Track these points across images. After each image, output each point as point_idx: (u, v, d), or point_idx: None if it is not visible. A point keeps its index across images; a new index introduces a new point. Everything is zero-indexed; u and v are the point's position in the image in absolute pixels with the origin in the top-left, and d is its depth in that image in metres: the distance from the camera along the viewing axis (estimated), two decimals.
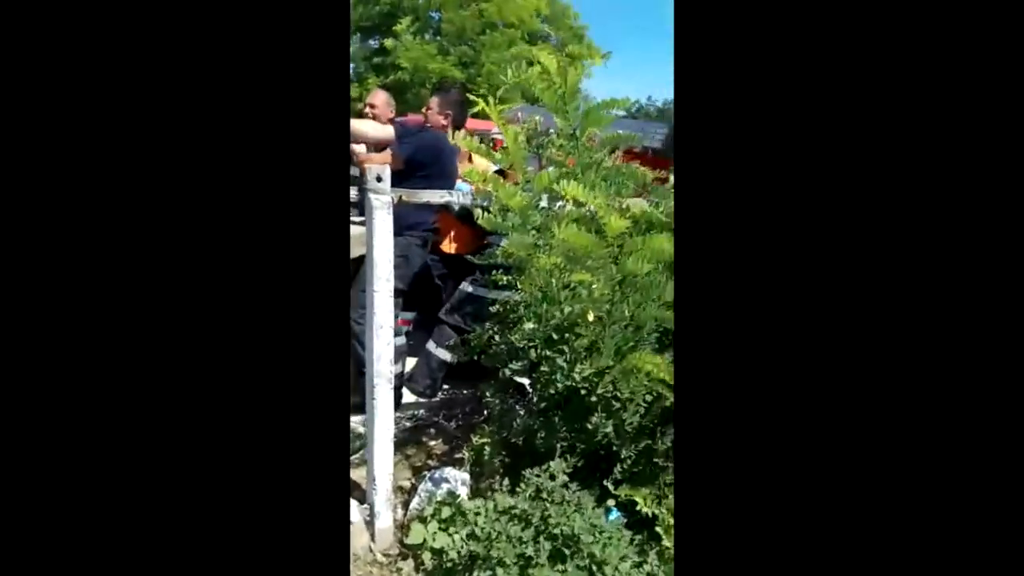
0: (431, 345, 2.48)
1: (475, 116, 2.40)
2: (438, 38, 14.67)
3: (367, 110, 2.77)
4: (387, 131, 2.57)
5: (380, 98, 2.87)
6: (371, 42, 15.46)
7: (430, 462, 2.06)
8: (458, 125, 2.57)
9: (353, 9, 15.07)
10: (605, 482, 1.53)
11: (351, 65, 15.66)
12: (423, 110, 2.73)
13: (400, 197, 1.82)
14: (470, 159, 2.58)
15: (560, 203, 1.78)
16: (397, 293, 2.30)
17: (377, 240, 1.73)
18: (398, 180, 2.35)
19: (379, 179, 1.75)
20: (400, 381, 2.48)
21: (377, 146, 2.60)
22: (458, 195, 2.09)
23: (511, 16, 14.22)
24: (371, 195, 1.74)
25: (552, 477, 1.37)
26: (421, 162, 2.36)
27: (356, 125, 2.55)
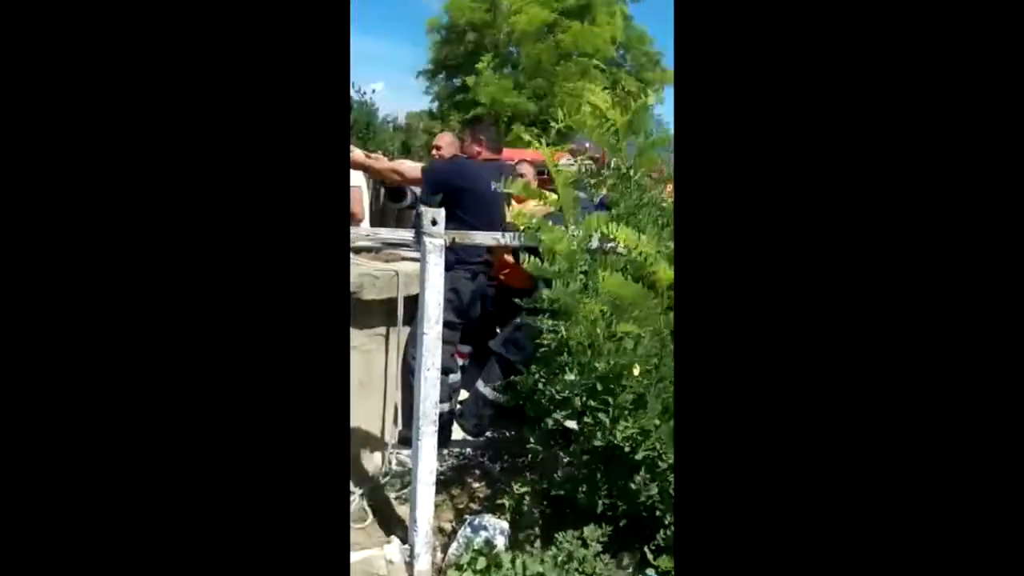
0: (480, 383, 2.48)
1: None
2: (515, 72, 15.10)
3: (433, 152, 2.88)
4: (415, 167, 2.65)
5: (445, 139, 3.00)
6: (454, 80, 16.13)
7: (472, 505, 2.04)
8: (494, 151, 2.60)
9: (439, 49, 15.88)
10: (646, 548, 1.44)
11: (436, 103, 16.42)
12: (460, 147, 2.80)
13: (454, 239, 1.86)
14: (520, 200, 2.60)
15: (611, 243, 1.73)
16: (452, 326, 2.33)
17: (429, 282, 1.76)
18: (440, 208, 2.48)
19: (434, 222, 1.80)
20: (451, 417, 2.50)
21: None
22: (511, 237, 2.11)
23: (587, 46, 14.30)
24: (425, 238, 1.78)
25: (585, 544, 1.31)
26: (447, 184, 2.39)
27: (396, 164, 2.69)
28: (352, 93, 12.91)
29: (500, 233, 2.14)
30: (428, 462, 1.76)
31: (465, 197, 2.31)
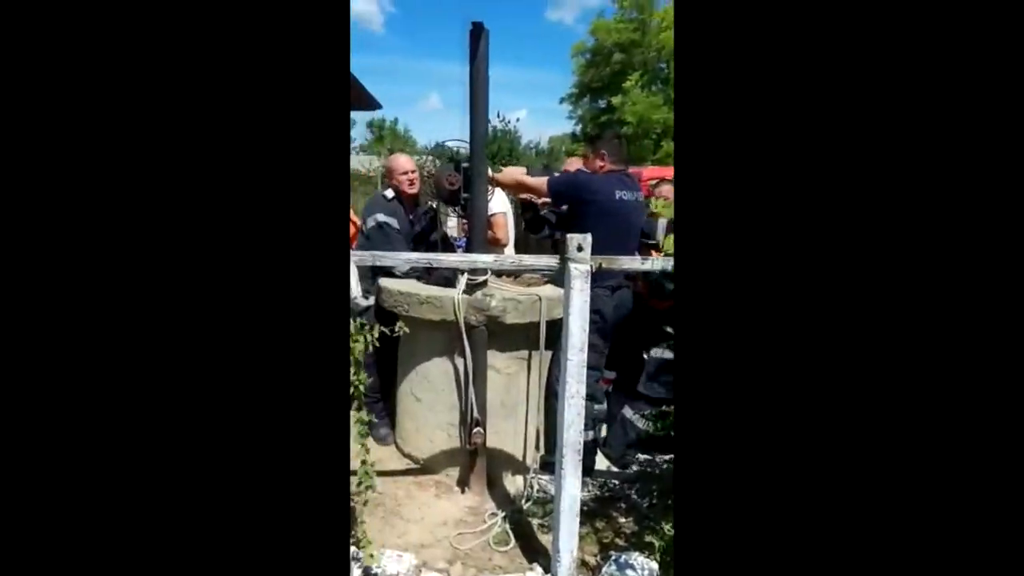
0: (627, 411, 2.39)
1: None
2: (665, 88, 14.73)
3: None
4: (541, 180, 2.67)
5: (575, 164, 3.12)
6: (599, 102, 16.21)
7: (618, 540, 1.96)
8: (618, 163, 2.53)
9: (584, 73, 16.10)
10: None
11: (580, 125, 16.62)
12: (582, 162, 2.79)
13: (600, 264, 1.83)
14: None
15: None
16: (596, 350, 2.30)
17: (573, 308, 1.74)
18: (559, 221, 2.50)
19: (579, 248, 1.79)
20: (595, 446, 2.44)
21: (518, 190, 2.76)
22: (658, 262, 2.02)
23: None
24: (570, 264, 1.77)
25: None
26: (567, 195, 2.42)
27: (513, 172, 2.77)
28: (495, 121, 13.55)
29: (644, 259, 2.07)
30: (572, 492, 1.72)
31: (586, 209, 2.30)
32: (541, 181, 2.52)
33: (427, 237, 3.04)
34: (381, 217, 2.75)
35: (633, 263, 1.91)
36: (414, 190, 2.89)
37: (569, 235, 1.80)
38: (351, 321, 1.77)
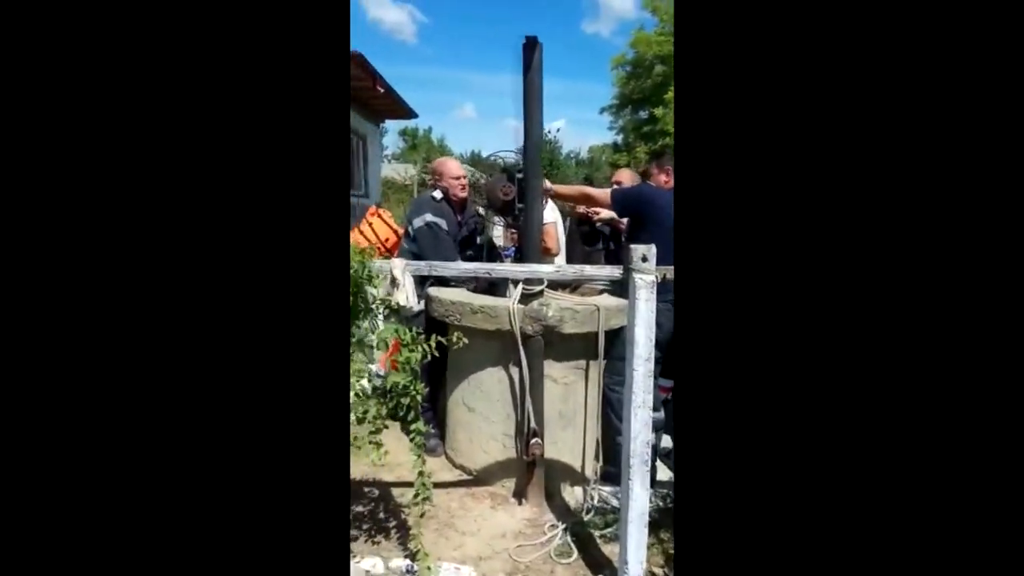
0: None
1: None
2: None
3: (614, 185, 2.95)
4: (604, 192, 2.65)
5: (625, 175, 3.14)
6: (641, 113, 16.12)
7: None
8: None
9: (624, 84, 16.05)
10: None
11: (620, 136, 16.55)
12: (646, 176, 2.79)
13: (664, 275, 1.81)
14: None
15: None
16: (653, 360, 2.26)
17: (639, 319, 1.72)
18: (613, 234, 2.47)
19: (644, 259, 1.77)
20: (656, 455, 2.39)
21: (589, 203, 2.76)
22: None
23: None
24: (635, 275, 1.75)
25: None
26: (632, 209, 2.40)
27: (582, 188, 2.80)
28: None
29: None
30: (639, 503, 1.69)
31: (649, 223, 2.28)
32: (605, 193, 2.52)
33: (473, 242, 3.08)
34: (430, 217, 2.77)
35: None
36: (464, 194, 2.93)
37: (633, 246, 1.78)
38: (408, 330, 1.79)
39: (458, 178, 2.92)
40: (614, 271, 1.83)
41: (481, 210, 3.23)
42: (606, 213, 2.84)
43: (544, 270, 1.92)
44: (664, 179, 2.57)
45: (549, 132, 13.61)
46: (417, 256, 2.68)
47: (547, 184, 2.75)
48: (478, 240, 3.09)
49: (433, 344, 1.78)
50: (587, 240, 3.18)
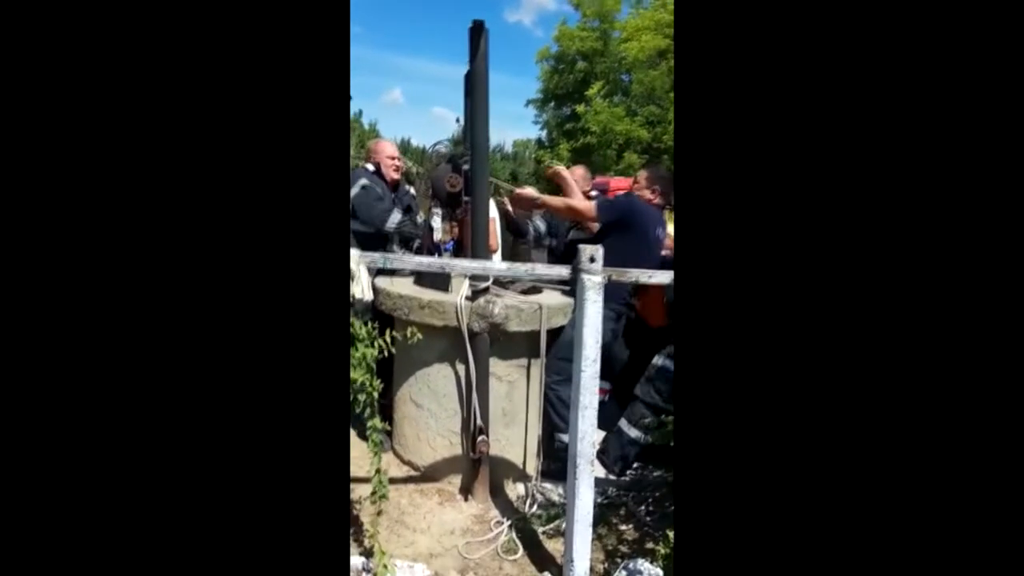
0: (624, 423, 2.44)
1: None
2: (627, 99, 15.04)
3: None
4: (589, 205, 2.69)
5: (578, 172, 3.16)
6: (564, 109, 16.39)
7: (621, 547, 2.00)
8: (668, 202, 2.58)
9: (549, 79, 16.25)
10: None
11: (544, 131, 16.77)
12: (631, 183, 2.82)
13: (610, 276, 1.86)
14: None
15: None
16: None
17: (587, 320, 1.77)
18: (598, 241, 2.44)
19: (592, 259, 1.81)
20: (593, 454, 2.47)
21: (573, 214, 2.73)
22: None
23: None
24: (583, 275, 1.80)
25: None
26: (617, 222, 2.43)
27: (566, 201, 2.72)
28: (462, 121, 13.48)
29: (655, 272, 2.12)
30: (584, 502, 1.74)
31: (630, 232, 2.34)
32: (588, 205, 2.51)
33: (408, 212, 3.05)
34: (364, 181, 2.81)
35: (642, 275, 1.96)
36: (397, 176, 2.98)
37: (581, 246, 1.83)
38: (364, 324, 1.73)
39: (393, 158, 2.91)
40: (563, 270, 1.86)
41: (410, 188, 3.19)
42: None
43: (496, 267, 1.92)
44: (650, 196, 2.57)
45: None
46: (356, 228, 2.66)
47: (534, 194, 2.72)
48: (413, 210, 3.05)
49: (389, 340, 1.74)
50: (516, 232, 3.21)
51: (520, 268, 2.03)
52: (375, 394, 1.71)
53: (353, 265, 1.69)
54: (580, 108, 14.69)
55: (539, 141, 17.50)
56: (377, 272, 2.56)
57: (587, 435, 1.75)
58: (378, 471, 1.73)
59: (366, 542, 1.81)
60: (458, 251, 3.06)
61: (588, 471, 1.74)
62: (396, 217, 2.84)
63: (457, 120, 2.54)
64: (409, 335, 1.92)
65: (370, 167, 2.95)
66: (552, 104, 16.74)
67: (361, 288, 1.68)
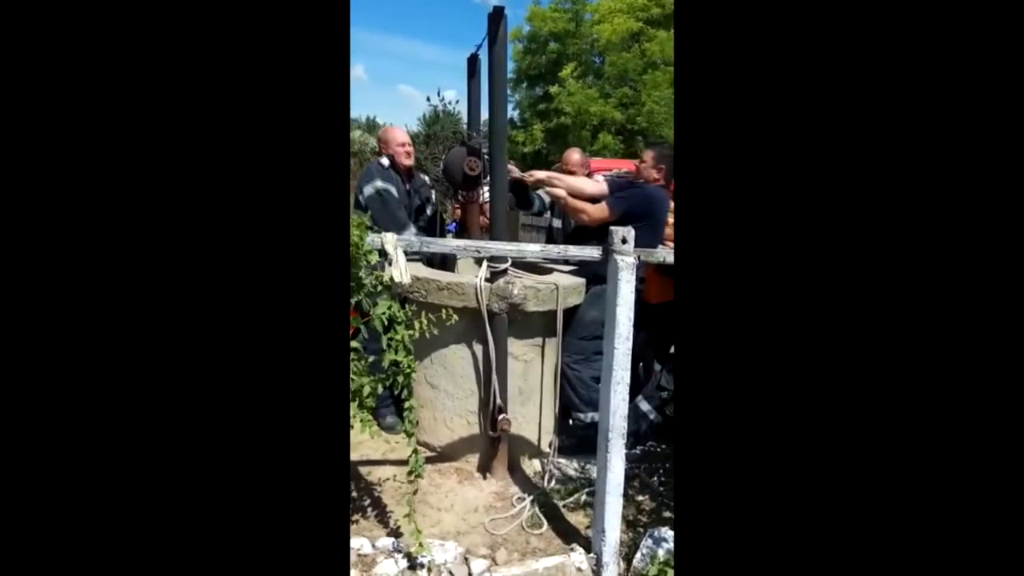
0: (640, 399, 2.51)
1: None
2: (600, 81, 15.06)
3: (565, 168, 3.00)
4: (601, 187, 2.70)
5: (574, 159, 3.09)
6: (537, 89, 16.28)
7: (641, 517, 2.07)
8: (667, 181, 2.62)
9: (521, 59, 16.09)
10: None
11: (517, 112, 16.65)
12: (636, 163, 2.83)
13: (639, 256, 1.90)
14: None
15: None
16: (600, 340, 2.38)
17: (620, 300, 1.80)
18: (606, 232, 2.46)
19: (624, 240, 1.85)
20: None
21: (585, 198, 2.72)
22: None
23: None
24: (616, 256, 1.83)
25: None
26: (634, 216, 2.41)
27: (573, 181, 2.71)
28: (436, 101, 13.25)
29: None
30: (616, 474, 1.80)
31: (645, 222, 2.35)
32: (599, 207, 2.43)
33: (424, 211, 3.00)
34: (380, 183, 2.69)
35: (668, 255, 2.00)
36: (410, 161, 2.86)
37: (612, 227, 1.86)
38: (402, 307, 1.72)
39: (403, 144, 2.83)
40: (595, 252, 1.89)
41: (426, 176, 3.13)
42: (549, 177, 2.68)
43: (530, 249, 1.93)
44: (655, 176, 2.54)
45: (449, 103, 13.23)
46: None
47: (539, 174, 2.66)
48: (428, 211, 3.00)
49: (426, 323, 1.73)
50: (521, 205, 3.18)
51: (553, 250, 2.05)
52: (412, 375, 1.71)
53: (390, 248, 1.68)
54: (554, 89, 14.63)
55: (511, 121, 17.38)
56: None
57: (619, 409, 1.80)
58: (415, 451, 1.73)
59: (392, 523, 1.82)
60: (461, 232, 3.04)
61: (620, 444, 1.79)
62: (411, 231, 2.72)
63: (457, 101, 2.50)
64: (445, 316, 1.91)
65: (384, 161, 2.79)
66: (524, 84, 16.61)
67: (400, 271, 1.67)
